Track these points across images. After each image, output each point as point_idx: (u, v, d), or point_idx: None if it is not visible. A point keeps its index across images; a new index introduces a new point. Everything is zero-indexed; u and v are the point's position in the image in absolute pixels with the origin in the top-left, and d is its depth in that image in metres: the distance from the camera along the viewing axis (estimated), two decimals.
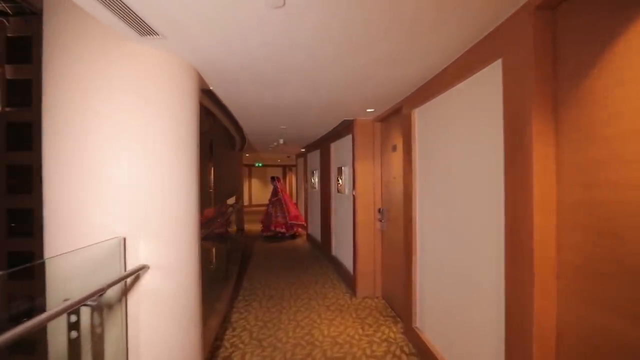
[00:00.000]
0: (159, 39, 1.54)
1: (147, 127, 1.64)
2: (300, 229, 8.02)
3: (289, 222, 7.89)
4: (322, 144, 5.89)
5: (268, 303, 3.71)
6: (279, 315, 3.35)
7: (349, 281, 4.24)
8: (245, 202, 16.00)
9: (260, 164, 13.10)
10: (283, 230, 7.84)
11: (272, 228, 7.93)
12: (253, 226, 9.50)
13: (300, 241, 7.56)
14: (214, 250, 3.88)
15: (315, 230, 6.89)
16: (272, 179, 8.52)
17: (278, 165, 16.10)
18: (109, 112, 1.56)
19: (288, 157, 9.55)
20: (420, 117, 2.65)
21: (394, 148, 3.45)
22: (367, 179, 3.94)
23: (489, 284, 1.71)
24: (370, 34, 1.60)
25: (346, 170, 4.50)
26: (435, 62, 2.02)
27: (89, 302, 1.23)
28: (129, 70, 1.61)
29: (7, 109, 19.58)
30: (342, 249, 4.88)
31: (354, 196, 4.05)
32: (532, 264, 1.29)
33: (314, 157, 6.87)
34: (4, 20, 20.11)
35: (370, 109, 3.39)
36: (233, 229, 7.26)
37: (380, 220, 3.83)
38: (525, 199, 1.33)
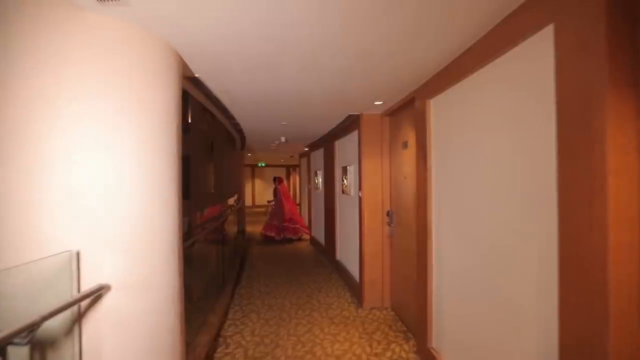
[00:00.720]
0: (118, 5, 1.24)
1: (109, 114, 1.34)
2: (300, 232, 7.69)
3: (282, 224, 7.57)
4: (326, 142, 5.58)
5: (266, 314, 3.40)
6: (277, 329, 3.04)
7: (355, 289, 3.92)
8: (249, 203, 15.74)
9: (263, 164, 12.83)
10: (272, 234, 7.51)
11: (263, 232, 7.64)
12: (256, 227, 9.22)
13: (304, 245, 7.25)
14: (209, 254, 3.61)
15: (319, 233, 6.57)
16: (274, 179, 8.22)
17: (281, 166, 15.82)
18: (59, 98, 1.26)
19: (291, 156, 9.26)
20: (436, 108, 2.33)
21: (405, 145, 3.12)
22: (374, 179, 3.62)
23: (529, 306, 1.38)
24: (377, 5, 1.29)
25: (352, 170, 4.18)
26: (458, 39, 1.70)
27: (16, 341, 0.94)
28: (86, 47, 1.32)
29: None
30: (347, 254, 4.56)
31: (360, 198, 3.73)
32: (606, 290, 0.96)
33: (318, 156, 6.56)
34: None
35: (378, 101, 3.07)
36: (234, 230, 7.00)
37: (389, 224, 3.51)
38: (594, 205, 1.00)
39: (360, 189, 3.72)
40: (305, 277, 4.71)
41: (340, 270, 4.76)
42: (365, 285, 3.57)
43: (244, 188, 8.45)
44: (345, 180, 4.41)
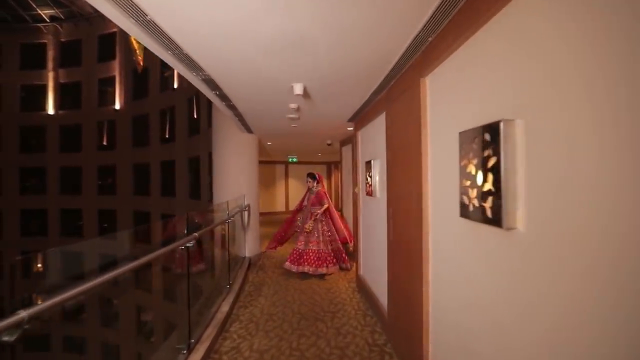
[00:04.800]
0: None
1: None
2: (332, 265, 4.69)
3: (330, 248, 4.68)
4: (393, 94, 2.53)
5: None
6: None
7: None
8: (282, 209, 13.22)
9: (294, 159, 10.06)
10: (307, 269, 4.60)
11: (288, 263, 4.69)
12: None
13: (344, 285, 4.26)
14: None
15: (373, 273, 3.54)
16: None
17: (319, 163, 12.98)
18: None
19: (328, 144, 6.36)
20: None
21: None
22: None
23: None
24: None
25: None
26: None
27: None
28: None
29: (60, 112, 19.92)
30: None
31: None
32: None
33: (370, 133, 3.54)
34: (58, 26, 20.57)
35: None
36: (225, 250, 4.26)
37: None
38: None
39: None
40: None
41: None
42: None
43: (257, 190, 5.69)
44: (501, 170, 1.30)
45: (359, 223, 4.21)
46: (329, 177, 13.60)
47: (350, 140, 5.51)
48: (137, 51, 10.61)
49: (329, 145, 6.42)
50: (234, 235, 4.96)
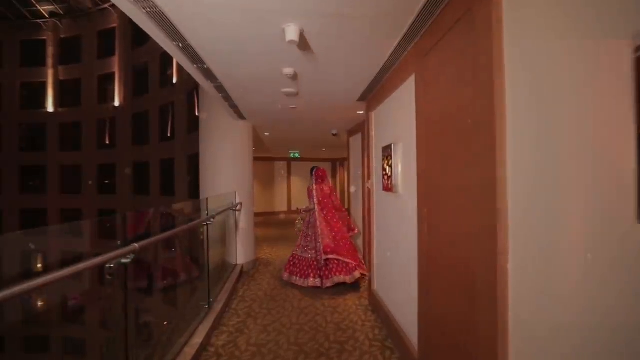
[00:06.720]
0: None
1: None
2: (354, 270, 3.87)
3: (320, 257, 3.85)
4: (432, 33, 1.71)
5: None
6: None
7: None
8: (283, 208, 12.46)
9: (296, 154, 9.23)
10: (310, 281, 3.83)
11: (287, 273, 4.03)
12: (285, 248, 5.69)
13: (354, 303, 3.45)
14: None
15: (393, 292, 2.72)
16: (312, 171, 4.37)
17: (324, 159, 12.17)
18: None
19: (334, 134, 5.54)
20: None
21: None
22: None
23: None
24: None
25: None
26: None
27: None
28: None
29: (60, 110, 19.48)
30: None
31: None
32: None
33: (389, 111, 2.72)
34: (58, 22, 20.15)
35: None
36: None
37: None
38: None
39: None
40: None
41: None
42: None
43: (252, 186, 4.89)
44: None
45: (372, 227, 3.39)
46: (334, 176, 12.80)
47: (359, 128, 4.70)
48: None
49: (334, 135, 5.61)
50: (224, 240, 4.20)
